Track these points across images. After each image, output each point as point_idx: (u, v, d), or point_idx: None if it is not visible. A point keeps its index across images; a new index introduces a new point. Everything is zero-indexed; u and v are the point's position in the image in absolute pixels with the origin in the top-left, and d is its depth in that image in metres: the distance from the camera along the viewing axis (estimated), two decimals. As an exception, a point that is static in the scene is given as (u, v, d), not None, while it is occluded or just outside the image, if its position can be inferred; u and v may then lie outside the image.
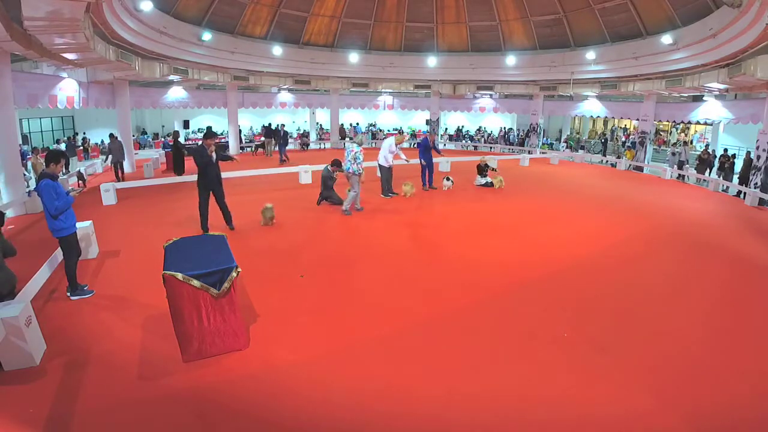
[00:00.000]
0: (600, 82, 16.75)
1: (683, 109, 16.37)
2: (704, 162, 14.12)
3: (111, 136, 12.79)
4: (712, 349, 4.11)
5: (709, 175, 13.62)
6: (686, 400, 3.32)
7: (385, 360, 3.77)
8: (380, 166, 9.94)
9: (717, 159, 14.11)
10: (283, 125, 18.77)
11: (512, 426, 3.04)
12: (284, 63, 17.45)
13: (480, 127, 26.61)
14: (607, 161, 18.77)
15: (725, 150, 14.69)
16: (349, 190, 9.06)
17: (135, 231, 7.41)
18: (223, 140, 20.81)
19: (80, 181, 11.49)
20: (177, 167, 13.08)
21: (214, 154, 6.80)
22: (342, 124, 23.23)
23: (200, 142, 6.91)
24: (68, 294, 4.80)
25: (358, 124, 25.72)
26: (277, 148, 19.60)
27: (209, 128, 6.75)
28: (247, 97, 20.44)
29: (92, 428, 2.96)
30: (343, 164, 8.54)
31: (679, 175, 14.92)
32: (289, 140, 19.78)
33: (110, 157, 12.53)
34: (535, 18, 16.72)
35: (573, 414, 3.15)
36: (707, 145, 14.79)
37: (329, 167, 9.13)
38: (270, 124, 19.34)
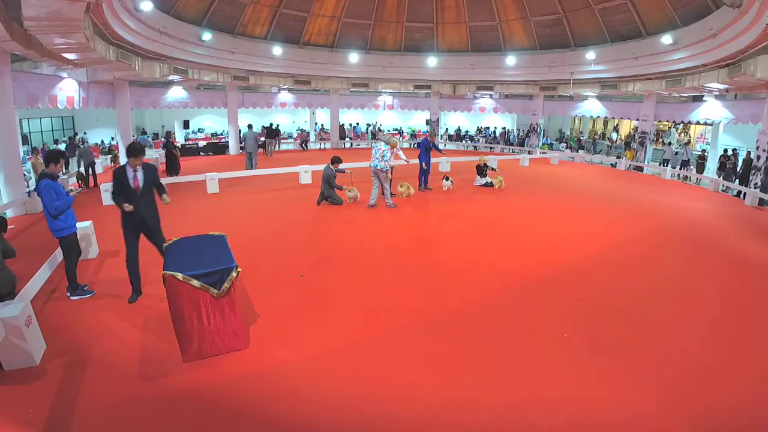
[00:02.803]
0: (600, 82, 16.76)
1: (683, 109, 16.38)
2: (723, 167, 13.88)
3: (71, 139, 12.77)
4: (714, 350, 4.11)
5: (734, 181, 13.01)
6: (687, 402, 3.32)
7: (385, 360, 3.76)
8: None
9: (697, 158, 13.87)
10: (251, 125, 15.92)
11: (512, 428, 3.04)
12: (284, 63, 17.45)
13: (480, 127, 26.64)
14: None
15: (725, 150, 14.70)
16: (350, 189, 9.21)
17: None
18: (222, 140, 20.83)
19: (80, 181, 11.50)
20: (170, 168, 13.08)
21: (141, 181, 4.58)
22: (342, 124, 23.24)
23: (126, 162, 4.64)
24: (68, 294, 4.80)
25: (357, 124, 25.74)
26: (275, 148, 19.63)
27: (133, 143, 4.86)
28: (247, 97, 20.44)
29: (92, 428, 2.96)
30: (371, 162, 8.76)
31: (679, 174, 14.93)
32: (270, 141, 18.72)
33: (81, 162, 12.46)
34: (535, 18, 16.72)
35: (573, 416, 3.14)
36: (726, 150, 14.64)
37: (330, 166, 9.13)
38: (271, 124, 19.34)
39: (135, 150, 4.57)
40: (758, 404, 3.32)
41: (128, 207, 4.47)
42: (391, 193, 10.03)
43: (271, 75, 18.37)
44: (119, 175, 4.58)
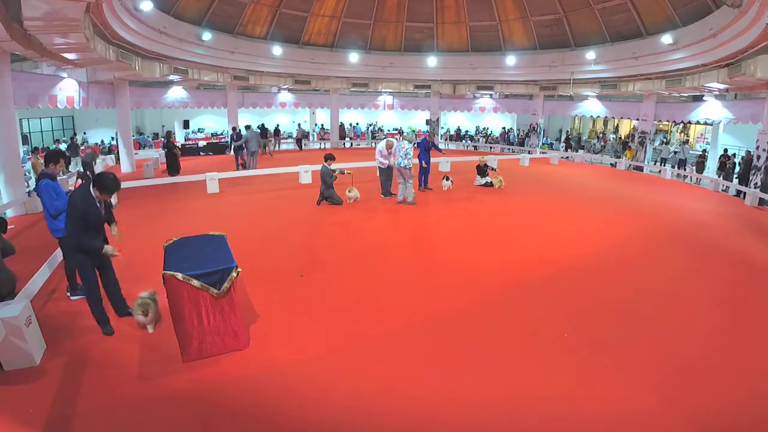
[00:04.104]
0: (600, 82, 16.76)
1: (683, 109, 16.38)
2: (723, 167, 13.85)
3: (72, 142, 12.78)
4: (713, 349, 4.11)
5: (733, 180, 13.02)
6: (687, 401, 3.32)
7: (385, 360, 3.77)
8: (379, 167, 9.96)
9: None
10: (234, 128, 16.28)
11: (512, 427, 3.04)
12: (284, 63, 17.46)
13: (478, 127, 26.67)
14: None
15: (725, 150, 14.71)
16: (350, 189, 9.29)
17: (135, 231, 7.39)
18: (222, 140, 20.82)
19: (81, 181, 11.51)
20: (170, 168, 13.08)
21: (103, 208, 3.99)
22: (342, 124, 23.25)
23: (82, 183, 4.13)
24: (68, 294, 4.80)
25: (357, 123, 25.75)
26: (275, 148, 19.62)
27: (108, 175, 3.93)
28: (247, 97, 20.45)
29: (92, 428, 2.96)
30: (395, 160, 9.13)
31: (678, 174, 14.93)
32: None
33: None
34: (535, 18, 16.72)
35: (573, 415, 3.15)
36: (726, 150, 14.64)
37: (325, 164, 9.12)
38: (263, 125, 19.26)
39: (114, 186, 3.84)
40: (758, 404, 3.32)
41: (114, 251, 3.95)
42: (391, 193, 10.09)
43: (271, 75, 18.38)
44: (87, 202, 3.76)
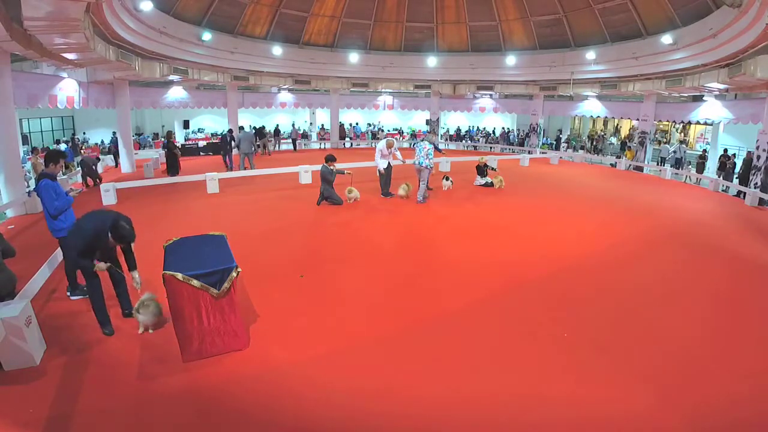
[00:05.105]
0: (600, 82, 16.77)
1: (683, 109, 16.39)
2: (723, 167, 13.89)
3: (72, 141, 12.75)
4: (712, 349, 4.11)
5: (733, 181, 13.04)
6: (686, 401, 3.32)
7: (385, 360, 3.77)
8: (378, 168, 9.95)
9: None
10: (231, 130, 16.76)
11: (512, 426, 3.04)
12: (284, 63, 17.46)
13: (471, 126, 26.69)
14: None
15: (725, 150, 14.71)
16: (350, 190, 9.41)
17: (135, 231, 7.39)
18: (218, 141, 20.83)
19: (92, 179, 11.57)
20: (170, 168, 13.08)
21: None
22: (342, 124, 23.24)
23: (102, 214, 4.05)
24: (68, 294, 4.80)
25: (357, 123, 25.75)
26: (275, 148, 19.60)
27: (125, 227, 3.91)
28: (247, 97, 20.45)
29: (92, 428, 2.96)
30: (415, 159, 9.35)
31: (677, 173, 14.93)
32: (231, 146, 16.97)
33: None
34: (535, 18, 16.73)
35: (573, 414, 3.15)
36: (726, 150, 14.66)
37: (326, 165, 9.13)
38: (258, 126, 19.27)
39: (129, 237, 3.94)
40: (758, 403, 3.32)
41: (103, 267, 4.01)
42: (390, 193, 10.09)
43: (271, 75, 18.37)
44: (98, 235, 3.82)
